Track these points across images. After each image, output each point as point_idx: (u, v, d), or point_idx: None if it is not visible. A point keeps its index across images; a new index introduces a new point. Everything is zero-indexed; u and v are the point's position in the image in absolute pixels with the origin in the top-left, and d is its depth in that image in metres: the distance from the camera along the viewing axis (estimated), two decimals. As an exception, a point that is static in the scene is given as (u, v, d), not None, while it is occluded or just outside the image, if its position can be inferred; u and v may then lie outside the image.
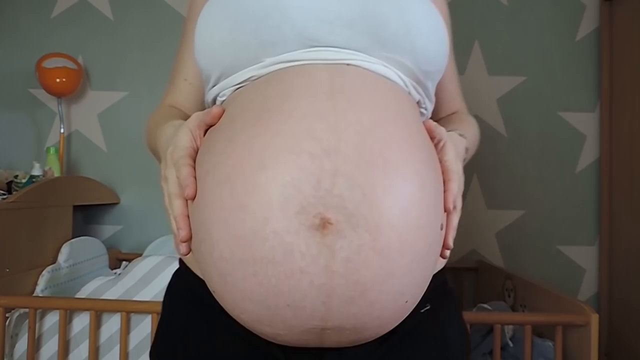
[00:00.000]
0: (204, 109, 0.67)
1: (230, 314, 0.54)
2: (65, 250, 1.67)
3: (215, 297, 0.55)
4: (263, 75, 0.59)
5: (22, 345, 1.38)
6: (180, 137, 0.57)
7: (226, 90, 0.63)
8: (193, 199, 0.53)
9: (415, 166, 0.52)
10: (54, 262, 1.64)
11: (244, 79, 0.61)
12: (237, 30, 0.59)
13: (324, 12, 0.59)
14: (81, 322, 1.39)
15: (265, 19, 0.58)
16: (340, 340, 0.52)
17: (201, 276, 0.60)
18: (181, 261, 0.70)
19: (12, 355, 1.38)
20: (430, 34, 0.62)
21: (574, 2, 2.18)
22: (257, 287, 0.48)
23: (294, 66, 0.58)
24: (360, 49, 0.59)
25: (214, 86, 0.65)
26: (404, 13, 0.60)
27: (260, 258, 0.47)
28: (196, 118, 0.59)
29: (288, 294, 0.48)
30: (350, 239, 0.48)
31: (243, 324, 0.54)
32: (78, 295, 1.48)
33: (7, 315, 1.38)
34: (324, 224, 0.47)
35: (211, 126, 0.59)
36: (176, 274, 0.71)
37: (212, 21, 0.62)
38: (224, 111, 0.59)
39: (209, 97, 0.67)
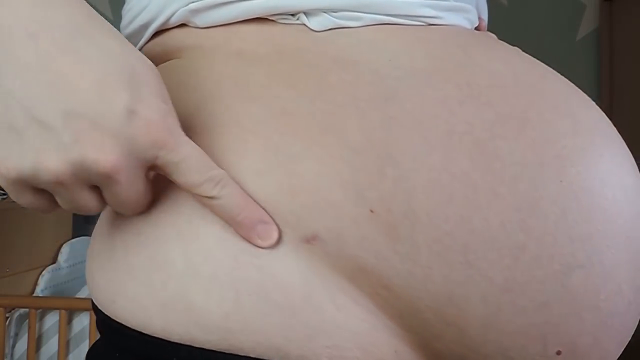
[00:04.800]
0: None
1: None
2: (65, 250, 1.67)
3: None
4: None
5: (22, 345, 1.38)
6: None
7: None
8: None
9: None
10: (54, 262, 1.63)
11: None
12: None
13: None
14: (81, 322, 1.39)
15: None
16: None
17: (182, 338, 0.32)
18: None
19: (12, 355, 1.38)
20: None
21: (574, 2, 2.18)
22: None
23: None
24: None
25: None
26: None
27: None
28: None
29: None
30: None
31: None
32: (78, 295, 1.48)
33: (7, 315, 1.38)
34: None
35: None
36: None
37: None
38: None
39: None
